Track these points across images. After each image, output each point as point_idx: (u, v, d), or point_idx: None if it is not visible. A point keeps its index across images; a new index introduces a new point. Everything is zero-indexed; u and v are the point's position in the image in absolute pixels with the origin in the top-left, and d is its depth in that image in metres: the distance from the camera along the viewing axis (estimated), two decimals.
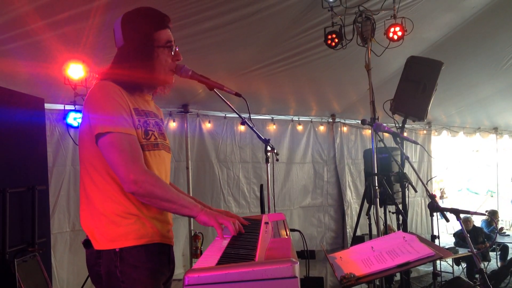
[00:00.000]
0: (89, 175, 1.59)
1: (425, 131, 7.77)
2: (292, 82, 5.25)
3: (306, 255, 3.30)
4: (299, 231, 3.04)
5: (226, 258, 1.25)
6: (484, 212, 7.91)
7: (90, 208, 1.58)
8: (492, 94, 6.90)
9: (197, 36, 3.73)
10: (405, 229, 3.84)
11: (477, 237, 6.73)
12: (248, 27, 3.86)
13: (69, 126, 4.20)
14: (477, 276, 5.48)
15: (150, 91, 1.77)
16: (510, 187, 10.30)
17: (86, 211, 1.59)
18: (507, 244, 7.08)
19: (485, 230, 7.17)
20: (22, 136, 3.43)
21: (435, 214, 3.78)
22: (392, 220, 4.98)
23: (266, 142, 2.51)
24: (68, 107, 4.20)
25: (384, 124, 2.76)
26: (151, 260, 1.56)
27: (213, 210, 1.85)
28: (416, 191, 3.82)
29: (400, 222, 3.90)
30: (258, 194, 5.74)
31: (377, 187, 3.72)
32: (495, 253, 7.09)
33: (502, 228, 8.50)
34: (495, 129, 9.06)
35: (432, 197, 2.28)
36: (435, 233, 3.67)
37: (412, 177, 5.85)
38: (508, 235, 7.98)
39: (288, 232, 1.96)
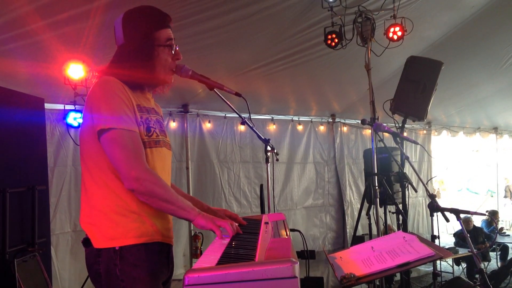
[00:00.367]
0: (90, 172, 1.58)
1: (425, 131, 7.77)
2: (292, 82, 5.25)
3: (306, 255, 3.30)
4: (299, 231, 3.04)
5: (226, 258, 1.25)
6: (484, 212, 7.91)
7: (90, 207, 1.57)
8: (492, 94, 6.90)
9: (197, 36, 3.73)
10: (405, 229, 3.84)
11: (477, 237, 6.72)
12: (248, 27, 3.87)
13: (69, 126, 4.20)
14: (477, 276, 5.48)
15: (150, 89, 1.77)
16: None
17: (86, 209, 1.59)
18: (507, 244, 7.08)
19: (485, 230, 7.17)
20: (22, 136, 3.43)
21: (435, 214, 3.77)
22: (392, 220, 4.98)
23: (266, 142, 2.51)
24: (68, 107, 4.21)
25: (384, 124, 2.76)
26: (151, 259, 1.55)
27: (211, 209, 1.86)
28: (416, 191, 3.82)
29: (400, 222, 3.90)
30: (259, 193, 5.74)
31: (377, 187, 3.72)
32: (495, 253, 7.08)
33: (502, 228, 8.50)
34: (495, 129, 9.06)
35: (432, 197, 2.28)
36: (435, 233, 3.66)
37: (413, 177, 5.85)
38: (508, 235, 7.98)
39: (288, 232, 1.96)
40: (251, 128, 2.38)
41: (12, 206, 3.09)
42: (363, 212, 4.16)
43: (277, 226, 2.04)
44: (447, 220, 2.16)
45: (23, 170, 3.41)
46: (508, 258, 6.81)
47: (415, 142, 2.98)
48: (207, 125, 5.50)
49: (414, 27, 3.74)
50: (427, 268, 6.60)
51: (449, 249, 5.66)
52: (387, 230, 4.67)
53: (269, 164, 2.70)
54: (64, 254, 4.37)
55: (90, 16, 3.07)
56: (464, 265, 6.29)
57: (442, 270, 5.21)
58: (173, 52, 1.72)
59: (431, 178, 7.96)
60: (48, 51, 3.41)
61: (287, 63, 4.61)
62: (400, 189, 4.02)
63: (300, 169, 6.32)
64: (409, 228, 5.63)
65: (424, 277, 6.81)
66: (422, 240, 1.95)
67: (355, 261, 1.91)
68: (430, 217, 3.36)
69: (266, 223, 1.78)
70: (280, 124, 6.13)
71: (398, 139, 2.67)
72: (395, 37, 3.73)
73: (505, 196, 12.33)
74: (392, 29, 3.73)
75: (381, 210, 3.89)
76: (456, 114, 7.68)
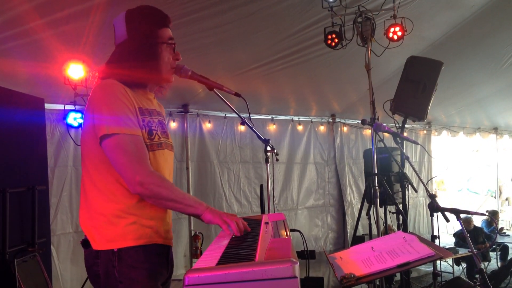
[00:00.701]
0: (90, 174, 1.58)
1: (425, 131, 7.77)
2: (292, 81, 5.24)
3: (306, 255, 3.30)
4: (299, 231, 3.04)
5: (226, 258, 1.25)
6: (484, 212, 7.91)
7: (89, 208, 1.57)
8: (492, 94, 6.90)
9: (196, 35, 3.72)
10: (405, 229, 3.84)
11: (477, 237, 6.72)
12: (247, 26, 3.86)
13: (69, 126, 4.20)
14: (477, 276, 5.48)
15: (152, 89, 1.77)
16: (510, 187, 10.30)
17: (85, 210, 1.59)
18: (507, 244, 7.08)
19: (485, 230, 7.17)
20: (22, 136, 3.43)
21: (435, 214, 3.78)
22: (392, 220, 4.98)
23: (265, 142, 2.51)
24: (68, 107, 4.20)
25: (384, 124, 2.76)
26: (149, 261, 1.55)
27: None
28: (416, 191, 3.82)
29: (400, 222, 3.90)
30: (259, 194, 5.73)
31: (377, 187, 3.71)
32: (495, 253, 7.08)
33: (502, 228, 8.50)
34: (495, 129, 9.06)
35: (432, 197, 2.28)
36: (436, 233, 3.66)
37: (413, 177, 5.85)
38: (508, 235, 7.98)
39: (288, 232, 1.96)
40: (251, 128, 2.38)
41: (12, 206, 3.09)
42: (363, 212, 4.15)
43: (277, 226, 2.04)
44: (447, 220, 2.16)
45: (23, 170, 3.41)
46: (508, 258, 6.80)
47: (415, 142, 2.98)
48: (207, 125, 5.50)
49: (414, 26, 3.74)
50: (427, 268, 6.60)
51: (449, 249, 5.66)
52: (387, 230, 4.67)
53: (269, 164, 2.70)
54: (66, 254, 4.37)
55: (90, 14, 3.06)
56: (464, 265, 6.29)
57: (442, 270, 5.21)
58: (174, 52, 1.73)
59: (431, 178, 7.96)
60: (48, 51, 3.41)
61: (287, 63, 4.61)
62: (400, 189, 4.02)
63: (300, 169, 6.32)
64: (410, 228, 5.64)
65: (424, 277, 6.81)
66: (422, 240, 1.95)
67: (355, 261, 1.91)
68: (430, 217, 3.36)
69: (266, 223, 1.78)
70: (280, 124, 6.13)
71: (398, 139, 2.67)
72: (395, 37, 3.73)
73: (495, 196, 12.38)
74: (392, 29, 3.72)
75: (381, 210, 3.89)
76: (456, 114, 7.68)
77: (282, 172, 6.13)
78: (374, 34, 3.76)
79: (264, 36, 4.09)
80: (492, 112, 8.07)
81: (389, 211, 4.30)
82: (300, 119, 6.29)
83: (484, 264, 6.43)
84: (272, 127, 6.03)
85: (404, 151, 3.01)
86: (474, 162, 13.12)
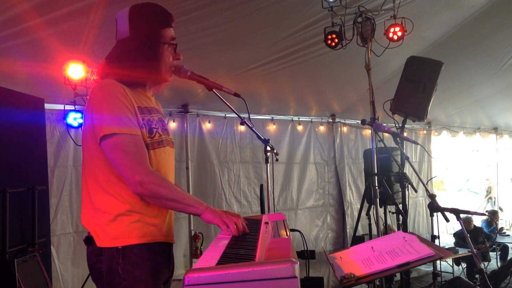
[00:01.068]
0: (93, 174, 1.59)
1: (425, 131, 7.77)
2: (292, 81, 5.24)
3: (306, 255, 3.30)
4: (299, 231, 3.04)
5: (226, 258, 1.25)
6: (484, 212, 7.92)
7: (92, 207, 1.58)
8: (492, 94, 6.90)
9: (196, 34, 3.72)
10: (405, 229, 3.84)
11: (477, 237, 6.72)
12: (247, 26, 3.86)
13: (69, 126, 4.20)
14: (477, 276, 5.48)
15: (151, 87, 1.78)
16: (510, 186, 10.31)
17: (89, 209, 1.59)
18: (507, 244, 7.08)
19: (485, 230, 7.17)
20: (22, 136, 3.43)
21: (435, 214, 3.78)
22: (392, 220, 4.98)
23: (265, 142, 2.51)
24: (68, 107, 4.20)
25: (384, 124, 2.76)
26: (153, 259, 1.56)
27: None
28: (416, 191, 3.82)
29: (400, 222, 3.90)
30: (259, 194, 5.74)
31: (377, 187, 3.71)
32: (495, 253, 7.08)
33: (502, 228, 8.50)
34: (495, 129, 9.06)
35: (432, 197, 2.28)
36: (435, 233, 3.66)
37: (413, 177, 5.85)
38: (508, 235, 7.98)
39: (288, 232, 1.96)
40: (251, 128, 2.38)
41: (12, 206, 3.09)
42: (363, 212, 4.15)
43: (277, 226, 2.04)
44: (447, 220, 2.16)
45: (23, 170, 3.41)
46: (508, 258, 6.80)
47: (415, 142, 2.98)
48: (207, 125, 5.50)
49: (414, 26, 3.74)
50: (427, 268, 6.60)
51: (449, 249, 5.66)
52: (387, 230, 4.67)
53: (268, 164, 2.70)
54: (66, 255, 4.36)
55: (90, 13, 3.06)
56: (464, 265, 6.29)
57: (442, 270, 5.21)
58: (175, 52, 1.73)
59: (431, 178, 7.96)
60: (48, 51, 3.41)
61: (287, 63, 4.61)
62: (400, 189, 4.02)
63: (300, 170, 6.32)
64: (409, 228, 5.63)
65: (424, 277, 6.81)
66: (422, 240, 1.95)
67: (355, 261, 1.91)
68: (430, 217, 3.36)
69: (266, 223, 1.79)
70: (280, 124, 6.13)
71: (398, 139, 2.67)
72: (395, 37, 3.73)
73: (486, 197, 12.42)
74: (392, 29, 3.73)
75: (381, 210, 3.89)
76: (456, 114, 7.69)
77: (282, 172, 6.13)
78: (374, 34, 3.76)
79: (264, 35, 4.09)
80: (492, 112, 8.07)
81: (389, 211, 4.30)
82: (300, 119, 6.29)
83: (484, 264, 6.43)
84: (272, 127, 6.02)
85: (404, 151, 3.01)
86: (474, 162, 13.12)
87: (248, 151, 5.82)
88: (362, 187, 6.33)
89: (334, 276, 2.73)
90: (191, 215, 4.95)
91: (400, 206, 3.90)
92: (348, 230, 6.46)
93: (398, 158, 3.95)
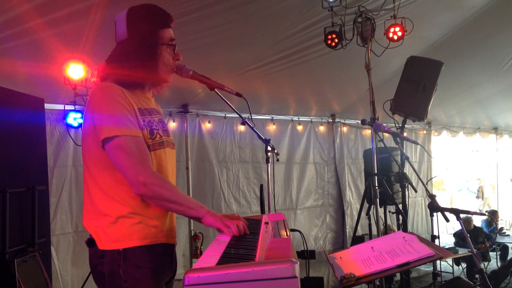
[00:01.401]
0: (93, 176, 1.59)
1: (425, 131, 7.77)
2: (292, 82, 5.24)
3: (306, 255, 3.30)
4: (299, 231, 3.04)
5: (226, 258, 1.25)
6: (484, 212, 7.92)
7: (93, 209, 1.58)
8: (492, 95, 6.90)
9: (197, 35, 3.72)
10: (405, 229, 3.84)
11: (477, 237, 6.72)
12: (247, 26, 3.86)
13: (69, 126, 4.20)
14: (477, 276, 5.48)
15: (150, 88, 1.78)
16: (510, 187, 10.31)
17: (90, 212, 1.59)
18: (507, 244, 7.08)
19: (485, 230, 7.17)
20: (22, 136, 3.43)
21: (435, 214, 3.79)
22: (392, 220, 4.98)
23: (266, 142, 2.51)
24: (68, 107, 4.20)
25: (384, 124, 2.76)
26: (154, 261, 1.56)
27: None
28: (416, 191, 3.82)
29: (400, 222, 3.90)
30: (258, 194, 5.74)
31: (377, 187, 3.71)
32: (495, 253, 7.08)
33: (502, 228, 8.50)
34: (495, 129, 9.06)
35: (432, 197, 2.28)
36: (435, 233, 3.66)
37: (412, 177, 5.85)
38: (508, 235, 7.98)
39: (288, 232, 1.96)
40: (252, 128, 2.38)
41: (12, 206, 3.09)
42: (363, 213, 4.15)
43: (277, 226, 2.04)
44: (447, 220, 2.16)
45: (23, 170, 3.41)
46: (508, 258, 6.80)
47: (415, 142, 2.98)
48: (207, 125, 5.50)
49: (414, 27, 3.74)
50: (427, 268, 6.60)
51: (449, 249, 5.66)
52: (387, 230, 4.67)
53: (269, 164, 2.70)
54: (65, 255, 4.36)
55: (90, 14, 3.06)
56: (464, 265, 6.29)
57: (442, 270, 5.20)
58: (174, 52, 1.73)
59: (431, 178, 7.96)
60: (48, 51, 3.41)
61: (287, 63, 4.61)
62: (400, 189, 4.03)
63: (300, 169, 6.32)
64: (409, 228, 5.63)
65: (424, 277, 6.81)
66: (422, 240, 1.95)
67: (355, 261, 1.91)
68: (429, 217, 3.37)
69: (266, 223, 1.78)
70: (280, 124, 6.13)
71: (398, 139, 2.67)
72: (395, 37, 3.73)
73: (477, 197, 12.48)
74: (392, 29, 3.73)
75: (381, 210, 3.89)
76: (456, 114, 7.69)
77: (282, 172, 6.13)
78: (374, 34, 3.77)
79: (265, 36, 4.09)
80: (492, 112, 8.07)
81: (389, 211, 4.30)
82: (300, 119, 6.29)
83: (484, 264, 6.43)
84: (272, 127, 6.02)
85: (404, 151, 3.01)
86: (474, 162, 13.12)
87: (247, 151, 5.82)
88: (362, 187, 6.33)
89: (334, 276, 2.73)
90: None
91: (400, 206, 3.90)
92: (347, 230, 6.47)
93: (398, 158, 3.95)
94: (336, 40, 3.85)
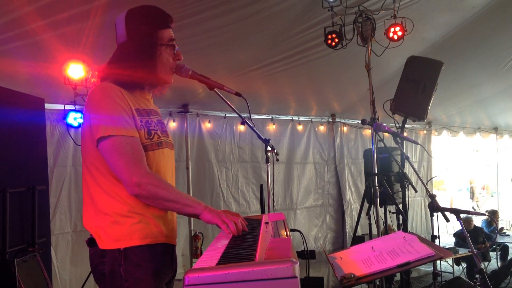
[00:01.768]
0: (92, 176, 1.59)
1: (425, 131, 7.77)
2: (292, 82, 5.24)
3: (306, 255, 3.30)
4: (299, 231, 3.04)
5: (226, 258, 1.25)
6: (484, 212, 7.91)
7: (94, 208, 1.58)
8: (492, 95, 6.90)
9: (198, 37, 3.73)
10: (405, 229, 3.84)
11: (477, 237, 6.73)
12: (248, 27, 3.87)
13: (69, 126, 4.20)
14: (477, 276, 5.48)
15: (150, 89, 1.78)
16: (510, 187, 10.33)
17: (91, 211, 1.60)
18: (507, 244, 7.08)
19: (486, 230, 7.17)
20: (22, 136, 3.43)
21: (435, 214, 3.79)
22: (392, 220, 4.98)
23: (266, 142, 2.51)
24: (68, 107, 4.20)
25: (384, 124, 2.76)
26: (155, 260, 1.57)
27: None
28: (416, 191, 3.82)
29: (400, 222, 3.90)
30: (257, 193, 5.75)
31: (377, 187, 3.71)
32: (495, 253, 7.09)
33: (502, 228, 8.50)
34: (495, 129, 9.06)
35: (432, 197, 2.28)
36: (435, 233, 3.66)
37: (412, 177, 5.85)
38: (508, 235, 7.98)
39: (288, 232, 1.96)
40: (251, 128, 2.38)
41: (12, 206, 3.09)
42: (363, 213, 4.15)
43: (277, 226, 2.04)
44: (447, 220, 2.16)
45: (23, 170, 3.41)
46: (508, 258, 6.81)
47: (415, 142, 2.98)
48: (207, 125, 5.50)
49: (415, 28, 3.74)
50: (427, 268, 6.60)
51: (449, 249, 5.66)
52: (387, 230, 4.67)
53: (269, 164, 2.70)
54: (64, 254, 4.36)
55: (90, 16, 3.07)
56: (464, 265, 6.29)
57: (442, 270, 5.21)
58: (174, 53, 1.73)
59: (431, 178, 7.95)
60: (48, 51, 3.41)
61: (288, 64, 4.61)
62: (400, 189, 4.03)
63: (300, 169, 6.32)
64: (408, 228, 5.63)
65: (424, 277, 6.81)
66: (422, 240, 1.95)
67: (355, 261, 1.91)
68: (428, 217, 3.37)
69: (266, 223, 1.78)
70: (280, 124, 6.13)
71: (398, 139, 2.67)
72: (395, 37, 3.73)
73: (470, 198, 12.51)
74: (392, 29, 3.73)
75: (381, 210, 3.89)
76: (457, 114, 7.69)
77: (282, 172, 6.12)
78: (374, 34, 3.77)
79: (265, 37, 4.09)
80: (493, 112, 8.07)
81: (389, 211, 4.30)
82: (300, 119, 6.29)
83: (484, 264, 6.43)
84: (271, 127, 6.02)
85: (404, 151, 3.00)
86: (474, 162, 13.12)
87: (247, 151, 5.81)
88: (362, 187, 6.33)
89: (334, 276, 2.73)
90: None
91: (400, 206, 3.90)
92: (347, 230, 6.46)
93: (398, 158, 3.95)
94: (336, 40, 3.85)
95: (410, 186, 3.81)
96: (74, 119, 4.12)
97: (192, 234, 5.05)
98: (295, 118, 6.25)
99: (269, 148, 2.53)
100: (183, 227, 5.22)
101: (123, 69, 1.63)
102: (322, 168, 6.54)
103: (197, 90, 4.82)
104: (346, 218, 6.50)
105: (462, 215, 2.09)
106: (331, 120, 6.59)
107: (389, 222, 4.45)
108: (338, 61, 4.74)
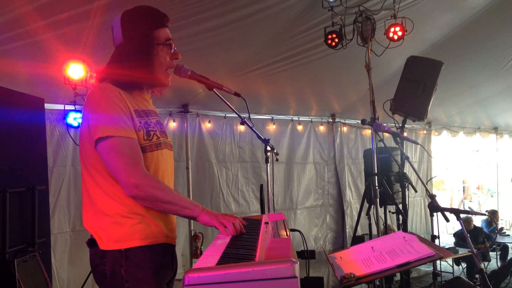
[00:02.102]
0: (91, 176, 1.59)
1: (425, 131, 7.77)
2: (292, 82, 5.24)
3: (306, 255, 3.30)
4: (299, 231, 3.04)
5: (226, 258, 1.25)
6: (484, 212, 7.92)
7: (94, 209, 1.58)
8: (492, 95, 6.91)
9: (197, 36, 3.73)
10: (405, 229, 3.84)
11: (477, 237, 6.73)
12: (248, 28, 3.86)
13: (69, 126, 4.19)
14: (477, 276, 5.47)
15: (149, 89, 1.78)
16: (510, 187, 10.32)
17: (90, 212, 1.59)
18: (507, 244, 7.08)
19: (485, 230, 7.17)
20: (22, 136, 3.43)
21: (435, 214, 3.79)
22: (392, 220, 4.98)
23: (265, 142, 2.51)
24: (68, 107, 4.20)
25: (384, 124, 2.76)
26: (156, 260, 1.57)
27: None
28: (416, 191, 3.82)
29: (400, 222, 3.90)
30: (257, 193, 5.75)
31: (377, 187, 3.71)
32: (495, 253, 7.08)
33: (502, 228, 8.50)
34: (495, 129, 9.06)
35: (432, 197, 2.28)
36: (435, 233, 3.66)
37: (412, 177, 5.85)
38: (508, 235, 7.97)
39: (288, 232, 1.96)
40: (251, 128, 2.38)
41: (12, 206, 3.09)
42: (363, 212, 4.15)
43: (277, 226, 2.04)
44: (447, 220, 2.16)
45: (23, 170, 3.41)
46: (508, 258, 6.81)
47: (415, 142, 2.98)
48: (207, 125, 5.50)
49: (415, 28, 3.74)
50: (427, 268, 6.60)
51: (449, 249, 5.65)
52: (387, 230, 4.67)
53: (269, 164, 2.70)
54: (63, 254, 4.36)
55: (90, 16, 3.07)
56: (464, 265, 6.29)
57: (442, 270, 5.21)
58: (172, 52, 1.73)
59: (431, 178, 7.96)
60: (48, 51, 3.41)
61: (288, 64, 4.61)
62: (400, 189, 4.03)
63: (300, 169, 6.32)
64: (408, 228, 5.64)
65: (424, 277, 6.81)
66: (422, 240, 1.95)
67: (355, 261, 1.91)
68: (428, 217, 3.37)
69: (266, 223, 1.78)
70: (280, 124, 6.13)
71: (398, 139, 2.67)
72: (396, 37, 3.73)
73: (465, 198, 12.54)
74: (392, 29, 3.73)
75: (381, 210, 3.89)
76: (457, 114, 7.69)
77: (282, 172, 6.12)
78: (374, 34, 3.77)
79: (265, 37, 4.09)
80: (493, 112, 8.07)
81: (389, 211, 4.30)
82: (300, 119, 6.29)
83: (484, 264, 6.43)
84: (271, 127, 6.02)
85: (404, 151, 3.01)
86: (474, 162, 13.12)
87: (247, 151, 5.81)
88: (362, 187, 6.33)
89: (334, 276, 2.73)
90: None
91: (400, 206, 3.90)
92: (347, 230, 6.46)
93: (398, 158, 3.95)
94: (336, 40, 3.85)
95: (410, 186, 3.81)
96: (74, 119, 4.12)
97: (192, 234, 5.05)
98: (295, 118, 6.24)
99: (268, 148, 2.53)
100: (183, 227, 5.22)
101: (121, 70, 1.63)
102: (322, 168, 6.54)
103: (197, 90, 4.82)
104: (346, 218, 6.50)
105: (462, 215, 2.09)
106: (331, 120, 6.59)
107: (389, 222, 4.45)
108: (338, 61, 4.74)
